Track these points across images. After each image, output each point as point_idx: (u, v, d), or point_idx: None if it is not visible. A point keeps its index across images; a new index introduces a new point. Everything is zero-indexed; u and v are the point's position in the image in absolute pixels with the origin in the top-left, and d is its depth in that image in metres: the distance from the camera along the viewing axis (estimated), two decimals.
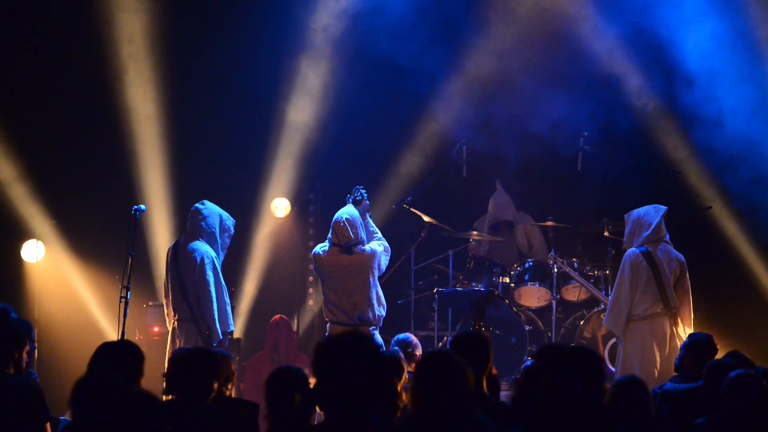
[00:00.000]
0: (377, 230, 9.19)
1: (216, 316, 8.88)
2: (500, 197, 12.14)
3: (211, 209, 9.15)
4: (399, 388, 5.94)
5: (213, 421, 5.60)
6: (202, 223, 9.06)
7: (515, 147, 11.68)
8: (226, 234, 9.21)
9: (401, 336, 7.75)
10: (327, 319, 8.95)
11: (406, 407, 5.79)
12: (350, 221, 8.83)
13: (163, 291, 9.24)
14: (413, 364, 7.24)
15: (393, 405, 5.65)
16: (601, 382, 3.76)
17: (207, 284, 8.88)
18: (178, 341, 8.91)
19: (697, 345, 6.81)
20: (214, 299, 8.88)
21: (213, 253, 9.00)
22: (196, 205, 9.19)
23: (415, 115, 11.97)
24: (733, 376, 5.45)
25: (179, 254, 9.03)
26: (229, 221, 9.24)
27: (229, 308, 9.09)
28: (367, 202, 9.17)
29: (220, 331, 8.88)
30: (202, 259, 8.89)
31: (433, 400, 4.12)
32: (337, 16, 11.64)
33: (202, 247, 8.97)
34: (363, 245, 8.86)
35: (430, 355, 4.34)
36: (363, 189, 9.13)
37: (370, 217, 9.27)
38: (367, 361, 3.76)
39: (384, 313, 8.96)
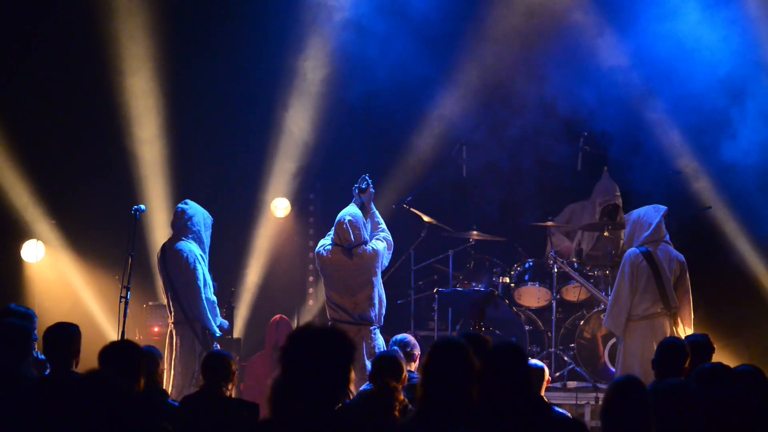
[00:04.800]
0: (382, 221, 9.11)
1: (209, 315, 8.86)
2: (607, 182, 11.90)
3: (195, 208, 9.10)
4: (398, 388, 5.94)
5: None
6: (188, 223, 9.01)
7: (515, 147, 11.68)
8: (208, 232, 9.17)
9: (399, 336, 7.75)
10: (330, 317, 8.94)
11: (407, 407, 5.80)
12: (353, 223, 8.80)
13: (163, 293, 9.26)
14: (412, 364, 7.26)
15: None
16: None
17: (196, 285, 8.85)
18: (174, 343, 8.91)
19: (665, 348, 6.51)
20: (204, 298, 8.86)
21: (199, 251, 8.95)
22: (180, 205, 9.14)
23: (415, 115, 11.96)
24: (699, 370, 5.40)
25: (167, 256, 8.99)
26: (209, 219, 9.19)
27: (216, 306, 9.04)
28: (373, 190, 9.09)
29: (215, 327, 8.89)
30: (188, 259, 8.85)
31: (443, 385, 4.13)
32: (335, 21, 11.65)
33: (187, 246, 8.92)
34: (365, 245, 8.84)
35: (443, 342, 4.37)
36: (368, 177, 9.09)
37: (375, 207, 9.20)
38: (335, 358, 3.75)
39: (384, 312, 8.96)
